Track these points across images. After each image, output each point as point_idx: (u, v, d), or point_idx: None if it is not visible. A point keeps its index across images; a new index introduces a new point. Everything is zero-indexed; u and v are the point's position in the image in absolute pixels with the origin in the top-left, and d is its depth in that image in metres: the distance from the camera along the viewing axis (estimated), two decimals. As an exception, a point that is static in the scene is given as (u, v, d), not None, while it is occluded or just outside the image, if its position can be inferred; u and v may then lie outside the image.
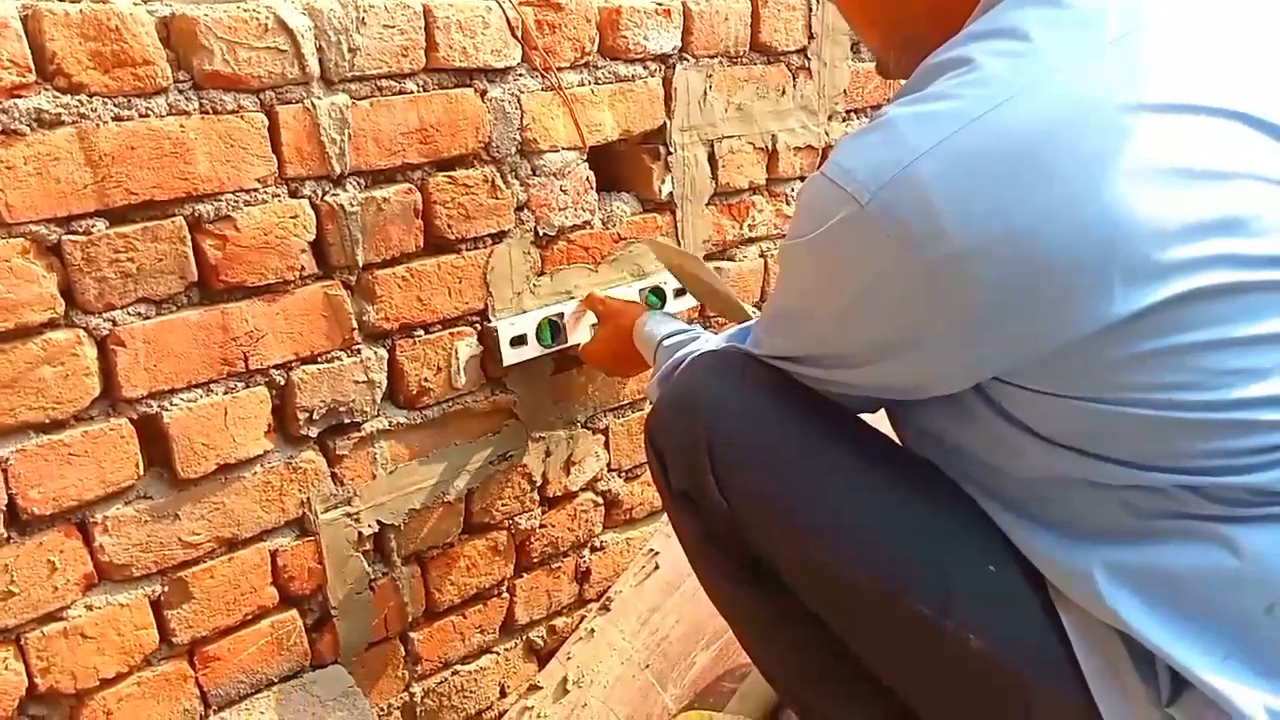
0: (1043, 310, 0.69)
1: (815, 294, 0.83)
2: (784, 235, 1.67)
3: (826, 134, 1.67)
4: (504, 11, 1.23)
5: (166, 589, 1.13)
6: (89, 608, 1.08)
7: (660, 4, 1.39)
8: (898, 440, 0.95)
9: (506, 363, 1.34)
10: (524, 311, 1.37)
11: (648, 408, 1.20)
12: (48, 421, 1.01)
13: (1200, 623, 0.73)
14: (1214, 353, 0.69)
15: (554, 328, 1.39)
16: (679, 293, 1.52)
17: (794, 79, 1.60)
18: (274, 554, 1.21)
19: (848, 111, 1.70)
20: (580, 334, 1.42)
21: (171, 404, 1.09)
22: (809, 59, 1.61)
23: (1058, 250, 0.67)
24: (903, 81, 0.83)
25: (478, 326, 1.33)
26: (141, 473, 1.08)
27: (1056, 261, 0.67)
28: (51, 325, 0.99)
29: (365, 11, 1.11)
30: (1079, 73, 0.70)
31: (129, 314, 1.04)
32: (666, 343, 1.20)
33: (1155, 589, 0.74)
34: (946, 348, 0.74)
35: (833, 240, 0.75)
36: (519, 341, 1.35)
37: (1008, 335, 0.71)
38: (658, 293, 1.50)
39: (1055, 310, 0.69)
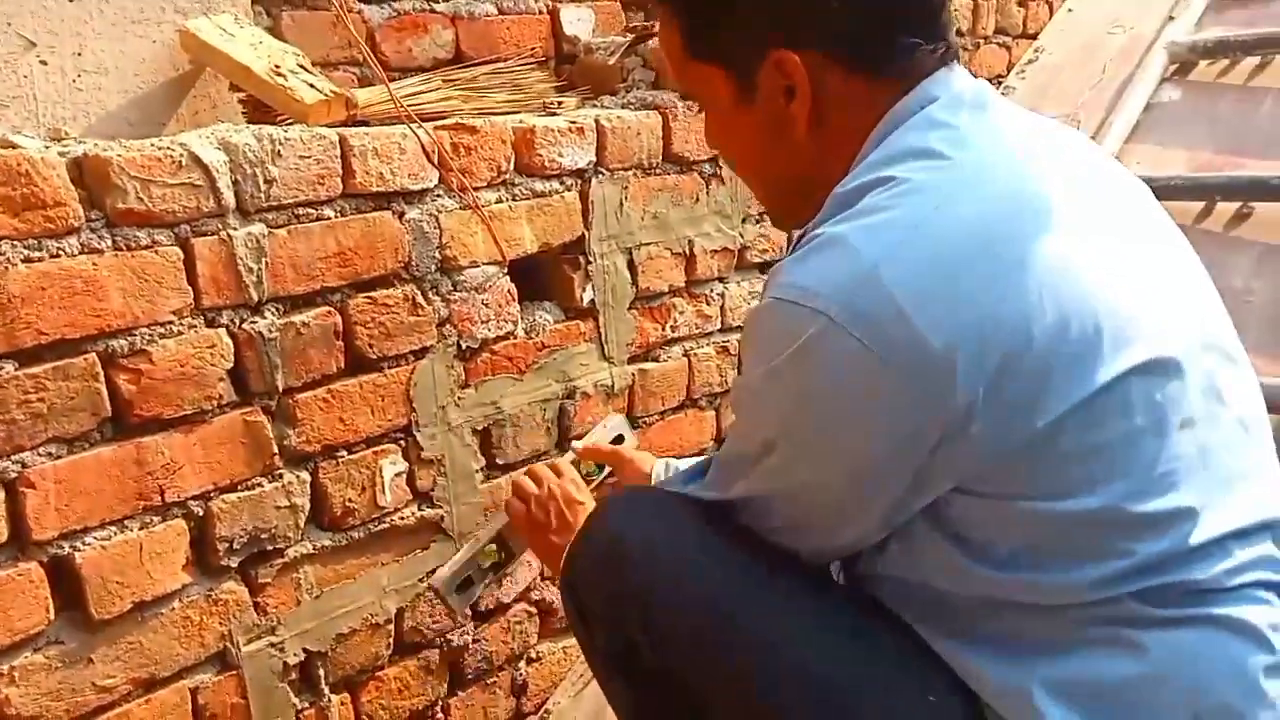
0: (1017, 393, 0.71)
1: (783, 426, 0.80)
2: (705, 334, 1.72)
3: (741, 236, 1.73)
4: (419, 138, 1.26)
5: (79, 738, 1.08)
6: (-6, 765, 1.03)
7: (573, 122, 1.45)
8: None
9: (460, 611, 1.29)
10: (450, 424, 1.37)
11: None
12: (-50, 571, 0.97)
13: None
14: (1154, 435, 0.73)
15: (500, 543, 1.24)
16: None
17: (707, 186, 1.66)
18: (194, 692, 1.17)
19: (760, 214, 1.76)
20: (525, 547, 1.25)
21: (84, 543, 1.06)
22: (720, 166, 1.67)
23: (1023, 327, 0.70)
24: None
25: (402, 443, 1.33)
26: (52, 617, 1.04)
27: (1026, 339, 0.70)
28: (-44, 472, 0.97)
29: (281, 144, 1.13)
30: (1002, 172, 0.76)
31: (39, 454, 1.02)
32: None
33: (1089, 703, 0.75)
34: (925, 454, 0.73)
35: (805, 358, 0.73)
36: (465, 585, 1.21)
37: (988, 427, 0.71)
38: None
39: (1030, 391, 0.71)
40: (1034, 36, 2.52)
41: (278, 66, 1.30)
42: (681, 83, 0.92)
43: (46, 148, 1.01)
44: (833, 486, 0.80)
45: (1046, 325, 0.70)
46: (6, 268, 0.96)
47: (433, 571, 1.25)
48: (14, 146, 0.98)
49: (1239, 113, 1.98)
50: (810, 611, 0.86)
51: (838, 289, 0.72)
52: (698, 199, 1.65)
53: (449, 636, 1.43)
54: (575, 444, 1.32)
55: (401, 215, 1.27)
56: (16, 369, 0.99)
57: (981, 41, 2.49)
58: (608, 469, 1.28)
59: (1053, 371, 0.71)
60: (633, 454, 1.27)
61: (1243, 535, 0.75)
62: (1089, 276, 0.73)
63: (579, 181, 1.47)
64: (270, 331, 1.16)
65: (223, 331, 1.13)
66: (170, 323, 1.09)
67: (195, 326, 1.11)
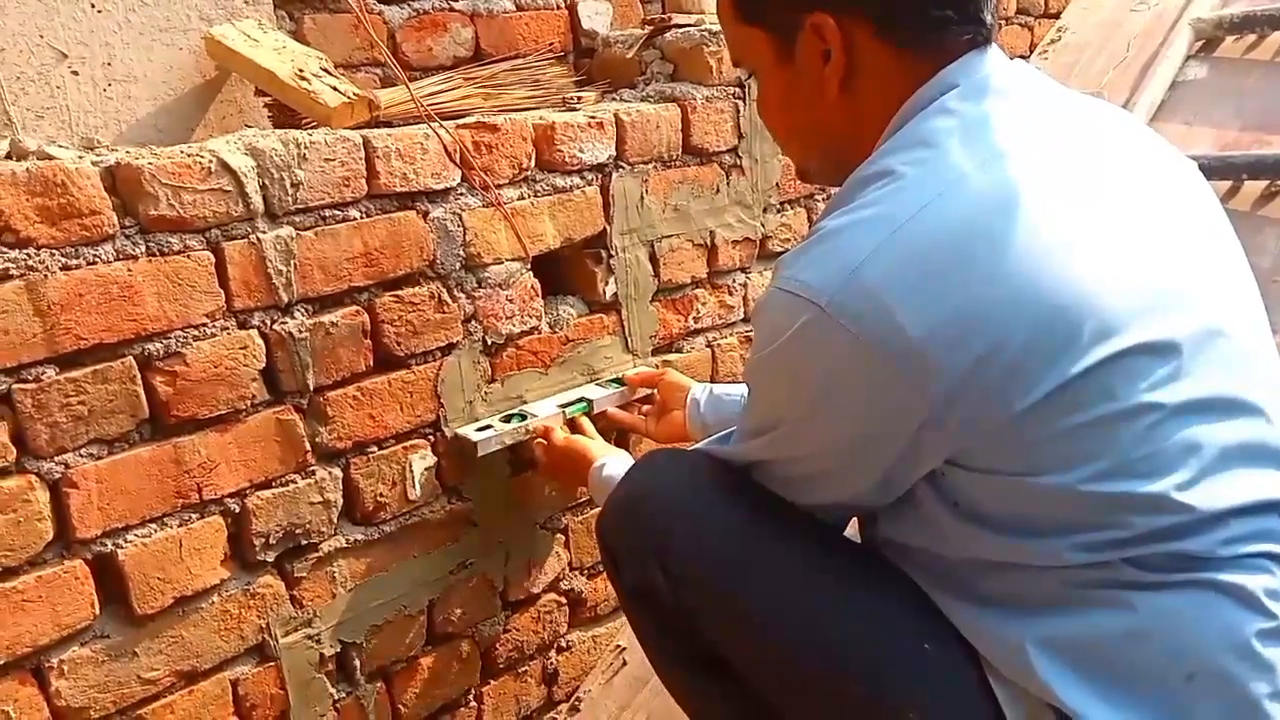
0: (997, 379, 0.74)
1: (785, 401, 0.87)
2: (728, 324, 1.73)
3: (762, 226, 1.74)
4: (441, 138, 1.28)
5: (126, 728, 1.12)
6: (46, 755, 1.06)
7: (593, 117, 1.46)
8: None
9: (479, 445, 1.34)
10: (477, 418, 1.40)
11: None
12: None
13: (1127, 693, 0.77)
14: (1138, 420, 0.74)
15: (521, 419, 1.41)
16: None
17: (727, 177, 1.67)
18: (235, 683, 1.20)
19: (781, 203, 1.77)
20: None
21: (126, 541, 1.09)
22: (740, 157, 1.68)
23: (1001, 317, 0.74)
24: (830, 191, 0.90)
25: (431, 438, 1.35)
26: (97, 612, 1.08)
27: (1004, 329, 0.73)
28: (3, 474, 1.00)
29: (306, 148, 1.16)
30: (996, 167, 0.78)
31: (81, 455, 1.05)
32: None
33: (1084, 660, 0.78)
34: (912, 432, 0.78)
35: (798, 344, 0.80)
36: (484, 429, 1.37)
37: (969, 410, 0.76)
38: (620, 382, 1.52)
39: (1009, 377, 0.74)
40: (1056, 16, 2.49)
41: (301, 70, 1.32)
42: (732, 49, 0.98)
43: (80, 157, 1.04)
44: (825, 456, 0.87)
45: (1024, 318, 0.73)
46: (46, 275, 0.99)
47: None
48: (49, 157, 1.01)
49: (1267, 89, 1.96)
50: (814, 562, 0.92)
51: (827, 282, 0.77)
52: (718, 190, 1.65)
53: (480, 627, 1.46)
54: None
55: (425, 214, 1.29)
56: (57, 373, 1.02)
57: (1003, 22, 2.46)
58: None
59: (1029, 361, 0.74)
60: (676, 377, 1.47)
61: (1243, 512, 0.77)
62: (1076, 268, 0.75)
63: (600, 176, 1.49)
64: (300, 331, 1.19)
65: (254, 333, 1.16)
66: (204, 325, 1.11)
67: (228, 328, 1.13)
